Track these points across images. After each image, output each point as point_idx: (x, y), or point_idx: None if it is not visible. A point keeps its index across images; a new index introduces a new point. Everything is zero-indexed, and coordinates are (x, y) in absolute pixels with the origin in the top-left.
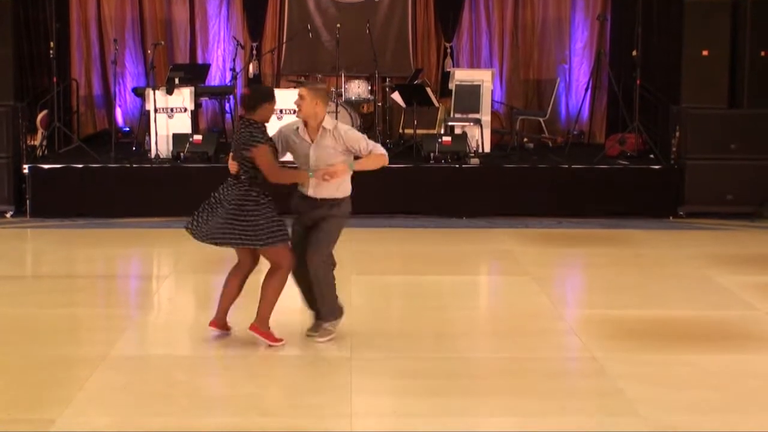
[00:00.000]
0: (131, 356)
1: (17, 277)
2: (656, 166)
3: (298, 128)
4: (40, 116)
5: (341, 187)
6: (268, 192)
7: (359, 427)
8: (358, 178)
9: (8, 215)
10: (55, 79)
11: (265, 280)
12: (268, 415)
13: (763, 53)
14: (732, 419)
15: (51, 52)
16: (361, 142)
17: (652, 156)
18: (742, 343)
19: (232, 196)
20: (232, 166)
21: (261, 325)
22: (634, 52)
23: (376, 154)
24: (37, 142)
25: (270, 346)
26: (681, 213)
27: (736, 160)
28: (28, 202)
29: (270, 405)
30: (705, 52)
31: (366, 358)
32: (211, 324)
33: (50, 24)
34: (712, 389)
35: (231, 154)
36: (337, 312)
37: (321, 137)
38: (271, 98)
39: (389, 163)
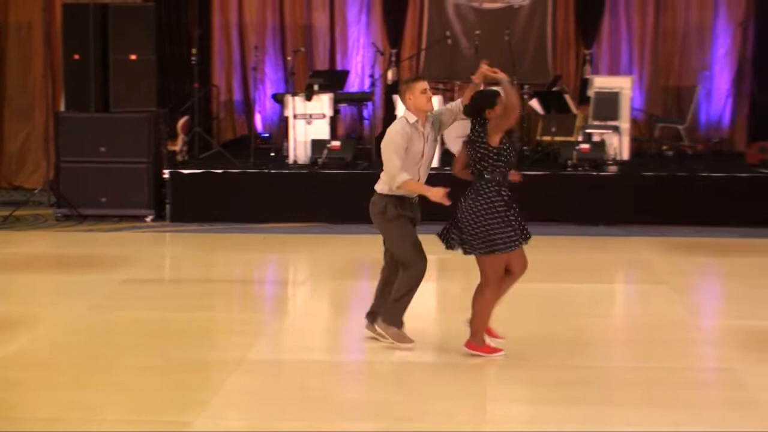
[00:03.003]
0: (267, 360)
1: (156, 280)
2: None
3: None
4: (181, 122)
5: None
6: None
7: None
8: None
9: (148, 219)
10: (196, 85)
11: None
12: (402, 420)
13: None
14: None
15: (193, 58)
16: None
17: None
18: None
19: None
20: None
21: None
22: None
23: None
24: (177, 148)
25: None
26: None
27: None
28: (167, 206)
29: (404, 411)
30: None
31: (501, 365)
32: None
33: (192, 30)
34: None
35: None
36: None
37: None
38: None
39: (528, 171)
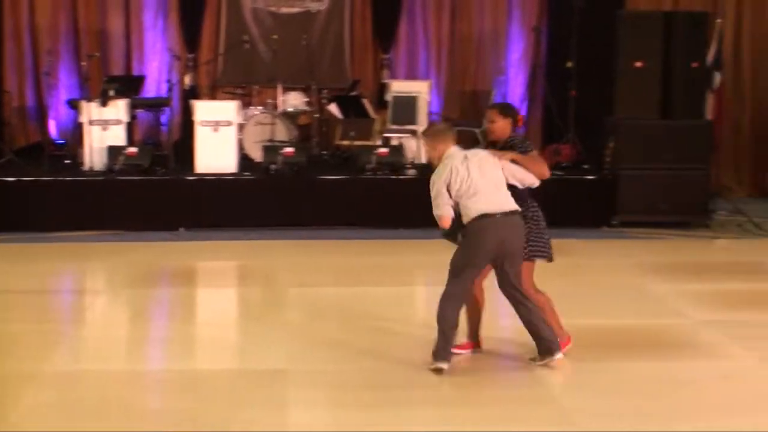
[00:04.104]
0: (65, 372)
1: None
2: (590, 177)
3: None
4: None
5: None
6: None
7: None
8: (285, 190)
9: None
10: None
11: None
12: (202, 429)
13: (694, 64)
14: (666, 426)
15: None
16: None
17: (586, 166)
18: (675, 351)
19: None
20: None
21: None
22: (569, 64)
23: None
24: None
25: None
26: (615, 222)
27: (669, 170)
28: None
29: (204, 419)
30: (638, 64)
31: (302, 370)
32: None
33: None
34: (646, 397)
35: None
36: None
37: None
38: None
39: (327, 176)
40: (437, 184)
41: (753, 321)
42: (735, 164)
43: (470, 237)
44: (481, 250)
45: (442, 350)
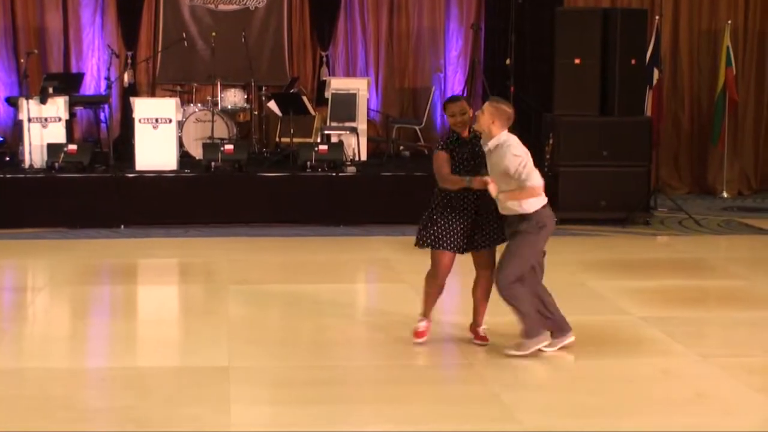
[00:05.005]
0: (6, 369)
1: None
2: None
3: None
4: None
5: (524, 204)
6: (448, 196)
7: None
8: (225, 187)
9: None
10: None
11: None
12: (145, 426)
13: (633, 61)
14: (607, 422)
15: None
16: (512, 162)
17: None
18: (616, 348)
19: None
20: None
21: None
22: (508, 61)
23: (524, 188)
24: None
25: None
26: (555, 220)
27: (608, 166)
28: None
29: (147, 416)
30: (577, 61)
31: (244, 367)
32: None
33: None
34: (586, 393)
35: None
36: (534, 332)
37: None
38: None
39: (267, 173)
40: (526, 158)
41: (693, 317)
42: (675, 161)
43: (541, 223)
44: (547, 236)
45: (531, 329)
